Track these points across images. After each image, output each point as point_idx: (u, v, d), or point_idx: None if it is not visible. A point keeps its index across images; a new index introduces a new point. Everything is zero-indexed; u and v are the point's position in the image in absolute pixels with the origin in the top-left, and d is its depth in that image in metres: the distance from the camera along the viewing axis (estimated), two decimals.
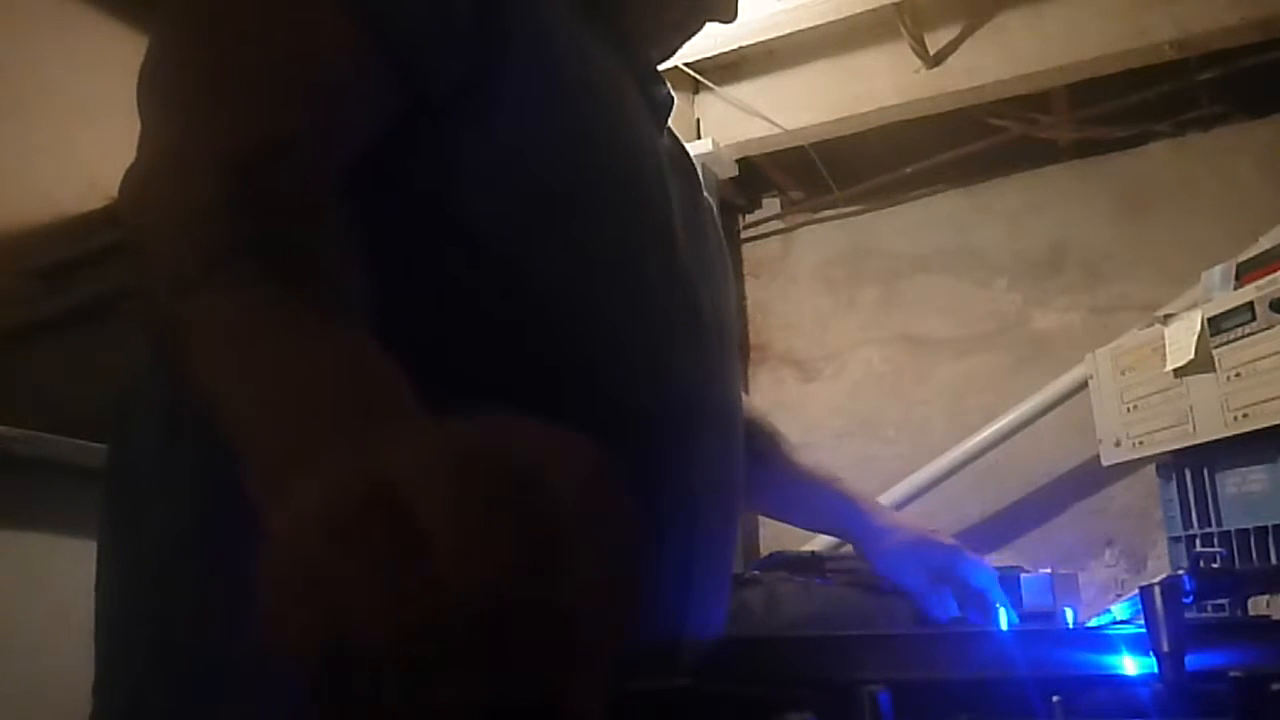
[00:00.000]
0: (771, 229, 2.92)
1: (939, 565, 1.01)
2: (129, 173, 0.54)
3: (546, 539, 0.32)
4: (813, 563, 1.34)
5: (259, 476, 0.41)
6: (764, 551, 2.26)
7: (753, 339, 2.82)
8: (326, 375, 0.44)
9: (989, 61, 2.32)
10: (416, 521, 0.32)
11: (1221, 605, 1.07)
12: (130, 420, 0.66)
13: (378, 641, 0.31)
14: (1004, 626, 0.95)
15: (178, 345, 0.47)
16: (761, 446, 1.05)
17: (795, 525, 1.41)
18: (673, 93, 0.84)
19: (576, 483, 0.34)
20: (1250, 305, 1.57)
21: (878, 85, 2.41)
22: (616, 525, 0.35)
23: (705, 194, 0.88)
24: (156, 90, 0.57)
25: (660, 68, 0.85)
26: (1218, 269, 1.74)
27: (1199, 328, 1.65)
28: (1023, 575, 1.10)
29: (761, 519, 2.56)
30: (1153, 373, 1.75)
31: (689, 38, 0.87)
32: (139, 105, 0.57)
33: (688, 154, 0.88)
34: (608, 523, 0.34)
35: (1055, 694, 0.46)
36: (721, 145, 2.49)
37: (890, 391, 2.66)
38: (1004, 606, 0.97)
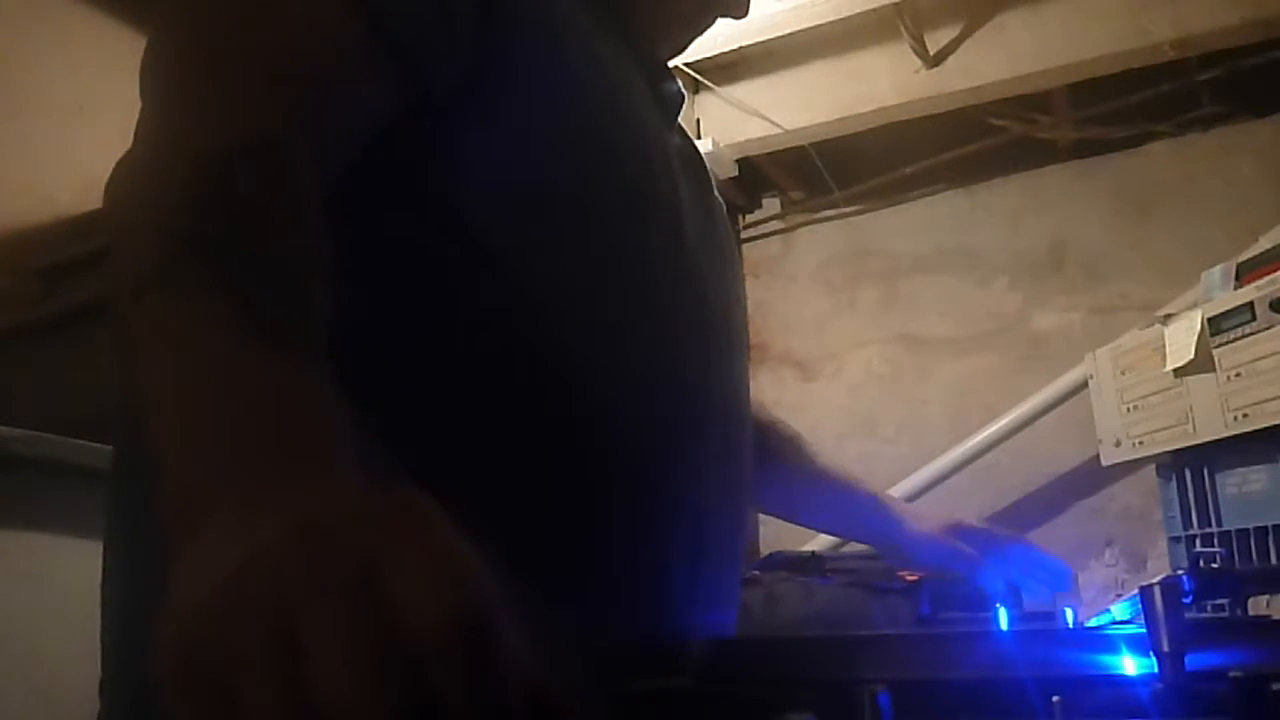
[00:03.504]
0: (771, 229, 2.92)
1: (978, 547, 1.00)
2: (117, 165, 0.53)
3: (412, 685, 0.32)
4: (813, 563, 1.35)
5: (169, 502, 0.40)
6: (764, 551, 2.25)
7: (753, 339, 2.82)
8: (252, 412, 0.42)
9: (989, 61, 2.32)
10: (292, 625, 0.32)
11: (1221, 605, 1.07)
12: (135, 418, 0.66)
13: None
14: (1061, 588, 0.94)
15: (123, 347, 0.46)
16: (781, 450, 1.05)
17: (819, 530, 1.40)
18: (683, 90, 0.84)
19: (455, 630, 0.32)
20: (1250, 305, 1.57)
21: (878, 85, 2.41)
22: (489, 675, 0.33)
23: (715, 191, 0.88)
24: (153, 79, 0.56)
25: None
26: (1218, 269, 1.74)
27: (1199, 328, 1.64)
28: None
29: (762, 519, 2.56)
30: (1153, 373, 1.75)
31: (699, 34, 0.87)
32: (140, 93, 0.56)
33: (698, 151, 0.87)
34: (477, 673, 0.33)
35: (1055, 694, 0.46)
36: (721, 145, 2.49)
37: (890, 391, 2.66)
38: (1052, 571, 0.97)
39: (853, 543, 2.20)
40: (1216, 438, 1.63)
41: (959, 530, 1.01)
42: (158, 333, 0.45)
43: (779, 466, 1.04)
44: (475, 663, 0.32)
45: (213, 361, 0.44)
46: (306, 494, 0.38)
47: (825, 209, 2.84)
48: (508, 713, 0.32)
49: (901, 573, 1.30)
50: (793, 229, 2.89)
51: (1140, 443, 1.80)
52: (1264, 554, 1.58)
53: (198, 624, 0.34)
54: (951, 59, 2.34)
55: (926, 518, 1.03)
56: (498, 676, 0.32)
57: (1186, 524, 1.73)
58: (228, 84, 0.54)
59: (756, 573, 1.30)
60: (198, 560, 0.36)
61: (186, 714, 0.33)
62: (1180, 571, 0.89)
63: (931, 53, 2.33)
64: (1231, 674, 0.45)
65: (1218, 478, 1.68)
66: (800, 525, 1.18)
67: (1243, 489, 1.64)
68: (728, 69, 2.53)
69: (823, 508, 1.09)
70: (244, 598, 0.33)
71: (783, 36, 2.35)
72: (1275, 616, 1.24)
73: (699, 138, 2.49)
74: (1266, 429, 1.55)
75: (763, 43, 2.37)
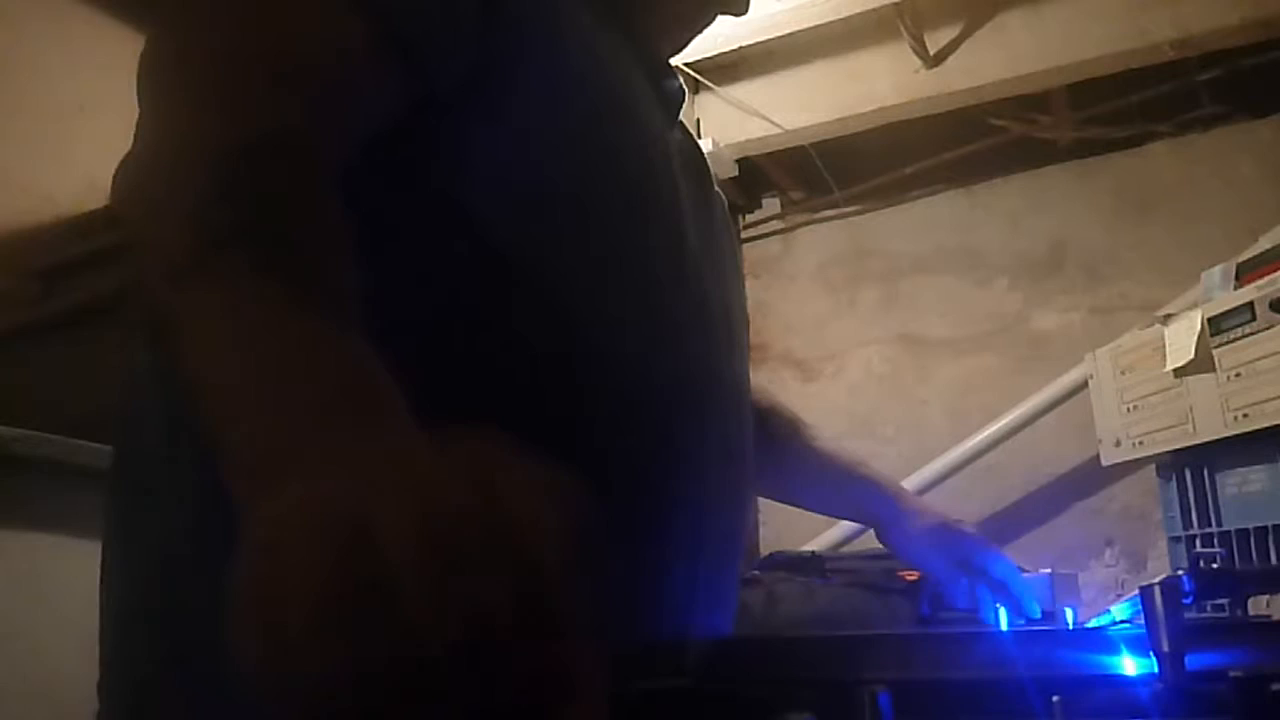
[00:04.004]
0: (771, 229, 2.92)
1: (960, 554, 1.00)
2: (124, 162, 0.53)
3: (515, 593, 0.32)
4: (813, 563, 1.35)
5: (241, 477, 0.41)
6: (764, 551, 2.25)
7: (753, 339, 2.80)
8: (314, 376, 0.43)
9: (989, 61, 2.32)
10: (386, 559, 0.33)
11: (1221, 605, 1.07)
12: (134, 419, 0.66)
13: (331, 680, 0.32)
14: (1030, 617, 0.94)
15: (168, 336, 0.47)
16: (782, 433, 1.05)
17: (816, 511, 1.40)
18: (684, 87, 0.84)
19: (551, 532, 0.34)
20: (1250, 305, 1.57)
21: (878, 85, 2.41)
22: (590, 577, 0.34)
23: (716, 188, 0.88)
24: (155, 79, 0.57)
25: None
26: (1218, 269, 1.74)
27: (1199, 328, 1.65)
28: (1023, 575, 1.10)
29: (761, 519, 2.56)
30: (1153, 373, 1.75)
31: (700, 31, 0.87)
32: (138, 94, 0.57)
33: (699, 147, 0.87)
34: (581, 575, 0.34)
35: (1055, 694, 0.46)
36: (721, 145, 2.49)
37: (890, 391, 2.66)
38: (1025, 598, 0.97)
39: (856, 540, 2.20)
40: (1216, 438, 1.64)
41: (948, 533, 1.01)
42: (210, 317, 0.46)
43: (778, 450, 1.05)
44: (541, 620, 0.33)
45: (272, 337, 0.45)
46: (392, 445, 0.39)
47: (825, 209, 2.84)
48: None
49: (901, 573, 1.30)
50: (793, 229, 2.89)
51: (1140, 443, 1.80)
52: (1264, 554, 1.58)
53: (276, 549, 0.34)
54: (951, 59, 2.34)
55: (924, 513, 1.03)
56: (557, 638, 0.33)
57: (1186, 524, 1.73)
58: (237, 83, 0.54)
59: (756, 573, 1.30)
60: (282, 505, 0.36)
61: (258, 648, 0.33)
62: (1180, 571, 0.89)
63: (931, 53, 2.33)
64: (1231, 674, 0.45)
65: (1218, 478, 1.68)
66: (798, 507, 1.18)
67: (1243, 489, 1.64)
68: (728, 69, 2.53)
69: (820, 490, 1.10)
70: (322, 527, 0.34)
71: (783, 36, 2.35)
72: (1275, 616, 1.24)
73: (699, 138, 2.49)
74: (1266, 429, 1.55)
75: (763, 43, 2.37)
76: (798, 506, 1.18)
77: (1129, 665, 0.51)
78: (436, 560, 0.32)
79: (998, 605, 0.96)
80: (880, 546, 1.17)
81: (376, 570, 0.32)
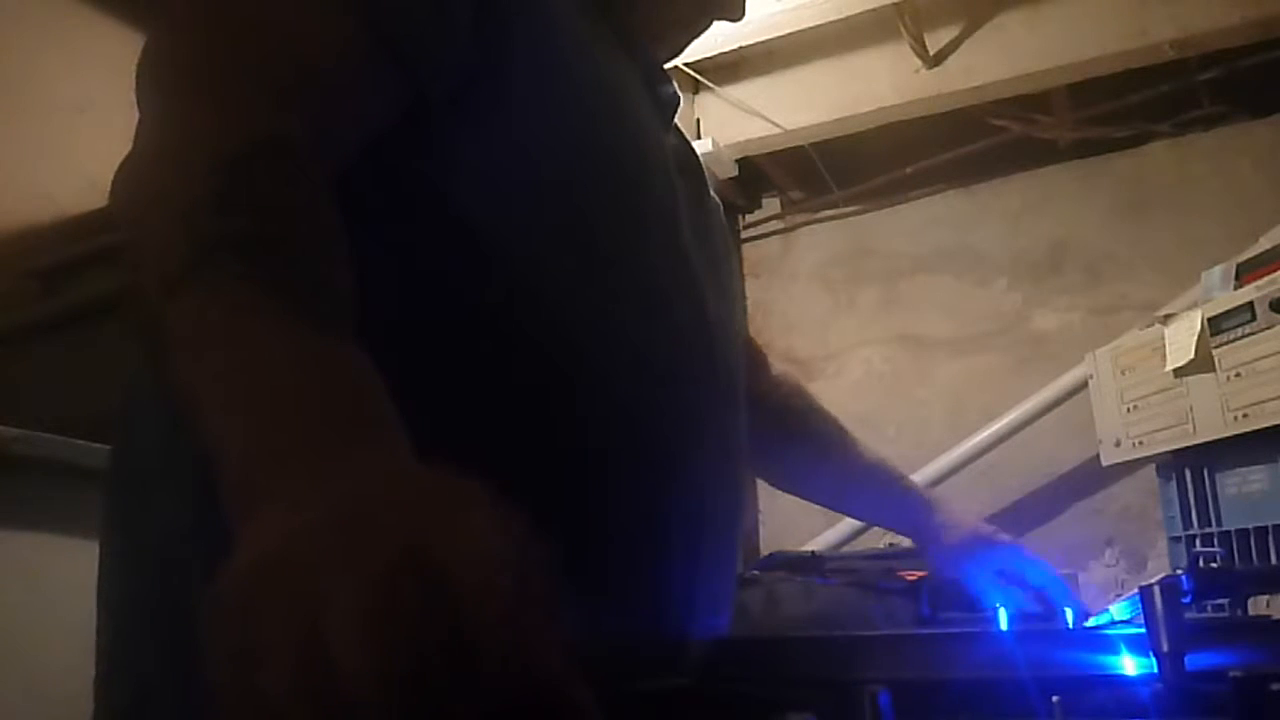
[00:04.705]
0: (771, 229, 2.92)
1: (998, 563, 1.01)
2: (122, 166, 0.53)
3: (456, 654, 0.32)
4: (813, 563, 1.35)
5: (229, 490, 0.41)
6: (764, 551, 2.26)
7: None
8: (303, 392, 0.43)
9: (989, 61, 2.32)
10: (338, 601, 0.33)
11: (1221, 605, 1.07)
12: (133, 418, 0.66)
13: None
14: (1068, 621, 0.95)
15: (161, 345, 0.47)
16: (828, 435, 1.07)
17: (854, 517, 1.40)
18: (679, 92, 0.84)
19: (503, 602, 0.33)
20: (1250, 305, 1.57)
21: (878, 85, 2.41)
22: (542, 650, 0.34)
23: (712, 192, 0.88)
24: (153, 82, 0.57)
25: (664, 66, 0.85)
26: (1218, 269, 1.74)
27: (1199, 328, 1.65)
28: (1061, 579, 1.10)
29: (761, 519, 2.56)
30: (1153, 373, 1.76)
31: (696, 36, 0.87)
32: (137, 97, 0.57)
33: (694, 152, 0.87)
34: (531, 645, 0.33)
35: (1055, 694, 0.46)
36: (721, 145, 2.49)
37: (890, 391, 2.66)
38: (1066, 603, 0.97)
39: (857, 541, 2.20)
40: (1216, 438, 1.64)
41: (982, 543, 1.03)
42: (200, 328, 0.46)
43: (825, 454, 1.07)
44: (505, 662, 0.32)
45: (260, 349, 0.45)
46: (360, 472, 0.39)
47: (825, 209, 2.84)
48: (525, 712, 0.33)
49: (902, 572, 1.30)
50: (793, 229, 2.89)
51: (1140, 443, 1.80)
52: (1264, 554, 1.58)
53: (238, 594, 0.34)
54: (951, 59, 2.35)
55: (959, 525, 1.05)
56: (524, 678, 0.33)
57: (1186, 524, 1.73)
58: (233, 87, 0.54)
59: (756, 573, 1.30)
60: (253, 537, 0.37)
61: (222, 682, 0.33)
62: (1180, 571, 0.89)
63: (931, 53, 2.33)
64: (1231, 674, 0.45)
65: (1218, 478, 1.69)
66: (837, 511, 1.19)
67: (1243, 489, 1.64)
68: (728, 69, 2.53)
69: (865, 499, 1.12)
70: (277, 578, 0.34)
71: (783, 36, 2.35)
72: (1275, 616, 1.24)
73: (699, 138, 2.49)
74: (1266, 429, 1.55)
75: (763, 43, 2.37)
76: (832, 509, 1.19)
77: (1129, 665, 0.51)
78: (384, 628, 0.32)
79: (1033, 610, 0.97)
80: (880, 547, 1.18)
81: (304, 619, 0.32)
